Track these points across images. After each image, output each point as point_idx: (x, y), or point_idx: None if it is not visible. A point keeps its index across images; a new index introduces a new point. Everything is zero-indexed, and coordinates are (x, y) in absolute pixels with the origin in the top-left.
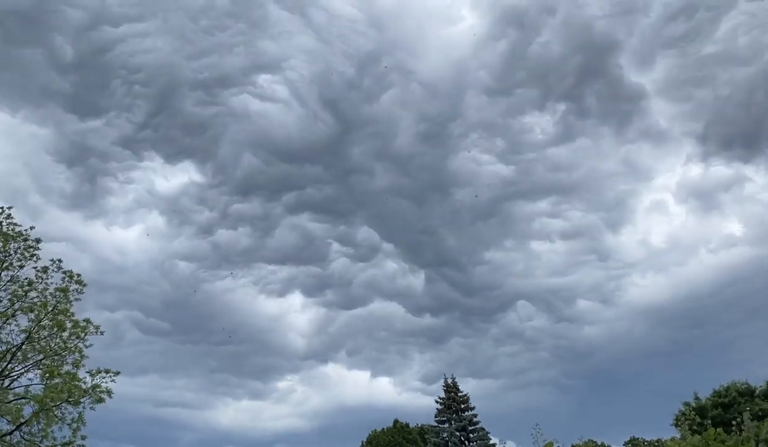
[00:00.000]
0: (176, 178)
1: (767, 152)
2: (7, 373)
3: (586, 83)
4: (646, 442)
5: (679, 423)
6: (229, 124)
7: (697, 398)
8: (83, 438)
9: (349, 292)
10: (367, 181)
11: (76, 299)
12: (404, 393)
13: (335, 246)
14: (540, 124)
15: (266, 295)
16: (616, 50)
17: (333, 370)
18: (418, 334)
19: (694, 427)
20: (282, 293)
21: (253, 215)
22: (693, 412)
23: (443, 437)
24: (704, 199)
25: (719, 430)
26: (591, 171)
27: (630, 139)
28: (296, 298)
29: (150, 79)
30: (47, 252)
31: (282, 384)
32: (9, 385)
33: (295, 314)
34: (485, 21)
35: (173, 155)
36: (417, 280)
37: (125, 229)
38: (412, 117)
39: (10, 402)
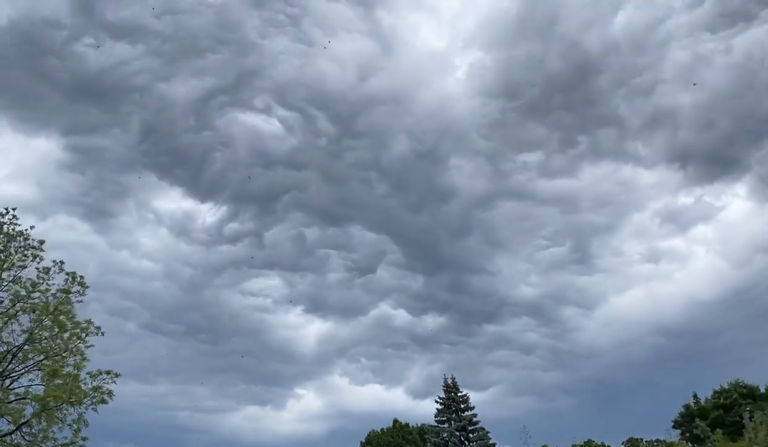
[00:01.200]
0: None
1: None
2: (8, 373)
3: None
4: (645, 442)
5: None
6: None
7: (696, 399)
8: (84, 439)
9: None
10: None
11: (78, 301)
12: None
13: None
14: None
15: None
16: None
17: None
18: None
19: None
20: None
21: None
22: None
23: (443, 437)
24: None
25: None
26: None
27: None
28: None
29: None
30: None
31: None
32: (10, 386)
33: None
34: None
35: None
36: None
37: None
38: None
39: (11, 402)
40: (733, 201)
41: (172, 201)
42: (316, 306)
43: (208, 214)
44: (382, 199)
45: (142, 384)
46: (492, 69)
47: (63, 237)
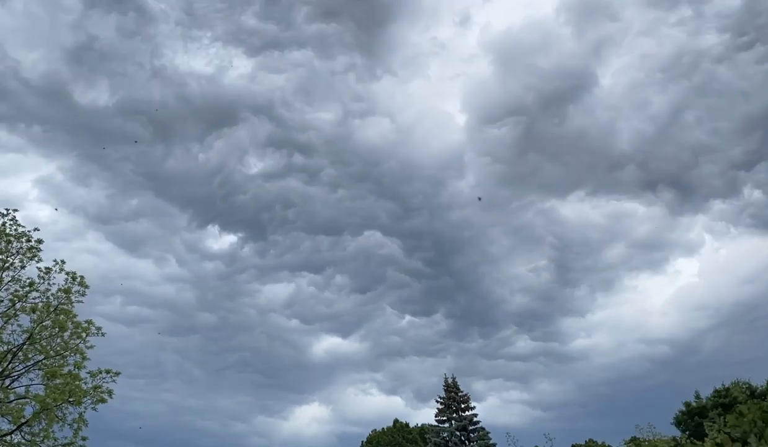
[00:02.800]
0: None
1: None
2: (8, 373)
3: None
4: (647, 441)
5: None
6: None
7: (698, 397)
8: (84, 439)
9: None
10: None
11: (78, 301)
12: None
13: None
14: None
15: None
16: None
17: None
18: None
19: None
20: None
21: None
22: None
23: (443, 437)
24: None
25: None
26: None
27: None
28: None
29: None
30: None
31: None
32: (10, 385)
33: None
34: None
35: None
36: None
37: None
38: None
39: (11, 402)
40: None
41: None
42: None
43: None
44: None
45: None
46: None
47: None
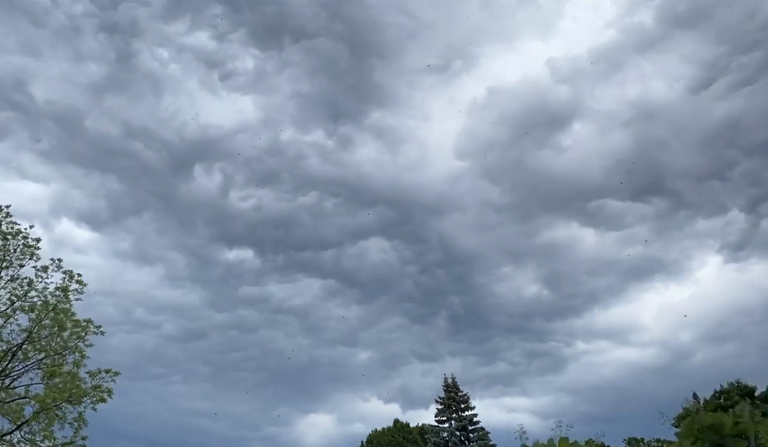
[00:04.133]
0: None
1: None
2: (7, 372)
3: None
4: (645, 441)
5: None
6: None
7: (696, 398)
8: (84, 438)
9: None
10: None
11: (77, 299)
12: None
13: None
14: None
15: None
16: None
17: None
18: None
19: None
20: None
21: None
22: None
23: (443, 437)
24: None
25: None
26: None
27: None
28: None
29: None
30: None
31: None
32: (10, 385)
33: None
34: None
35: None
36: None
37: None
38: None
39: (11, 401)
40: None
41: None
42: None
43: None
44: None
45: None
46: None
47: None
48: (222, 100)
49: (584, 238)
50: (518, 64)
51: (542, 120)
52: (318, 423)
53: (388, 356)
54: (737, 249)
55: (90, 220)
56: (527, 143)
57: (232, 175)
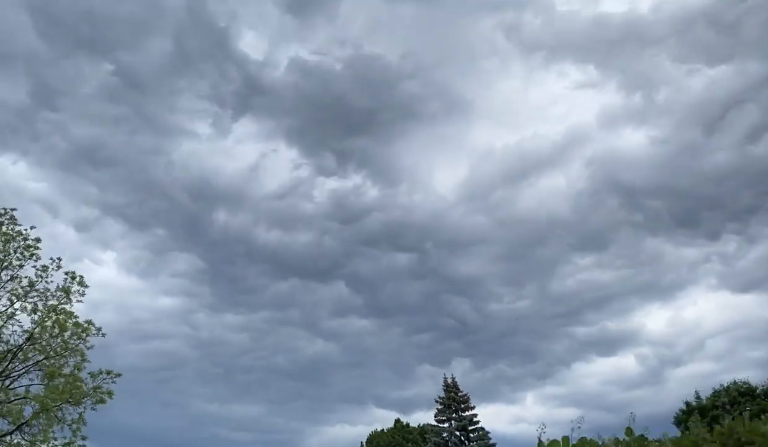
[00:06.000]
0: None
1: None
2: (7, 373)
3: None
4: (647, 441)
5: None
6: None
7: (698, 397)
8: (83, 438)
9: None
10: None
11: (78, 300)
12: None
13: None
14: None
15: None
16: None
17: None
18: None
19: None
20: None
21: None
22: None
23: (443, 437)
24: None
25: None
26: None
27: None
28: None
29: None
30: None
31: None
32: (10, 386)
33: None
34: None
35: None
36: None
37: None
38: None
39: (10, 402)
40: None
41: None
42: None
43: None
44: None
45: None
46: None
47: None
48: None
49: None
50: None
51: None
52: None
53: None
54: None
55: None
56: None
57: None
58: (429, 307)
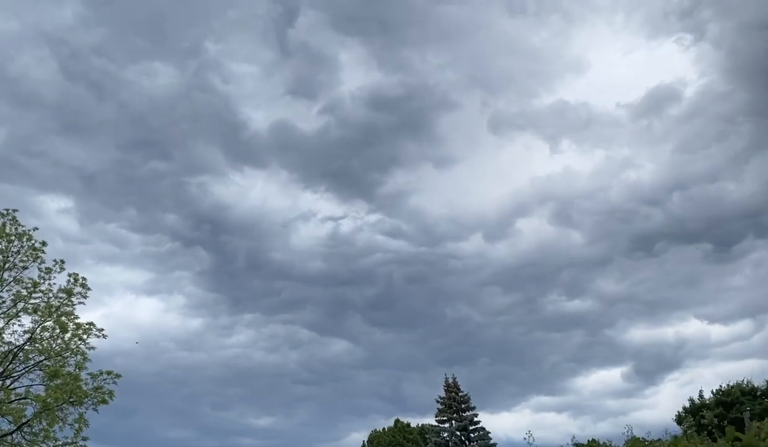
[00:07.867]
0: None
1: None
2: (8, 373)
3: None
4: (647, 441)
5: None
6: None
7: (701, 396)
8: (84, 439)
9: None
10: None
11: (80, 302)
12: None
13: None
14: None
15: None
16: None
17: None
18: None
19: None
20: None
21: None
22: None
23: (444, 437)
24: None
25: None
26: None
27: None
28: None
29: None
30: None
31: None
32: (11, 386)
33: None
34: None
35: None
36: None
37: None
38: None
39: (11, 402)
40: None
41: None
42: None
43: None
44: None
45: None
46: None
47: None
48: None
49: None
50: None
51: None
52: None
53: None
54: None
55: None
56: None
57: None
58: None
